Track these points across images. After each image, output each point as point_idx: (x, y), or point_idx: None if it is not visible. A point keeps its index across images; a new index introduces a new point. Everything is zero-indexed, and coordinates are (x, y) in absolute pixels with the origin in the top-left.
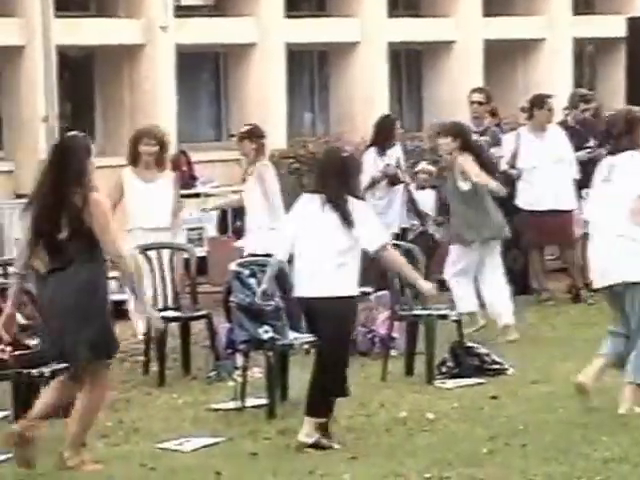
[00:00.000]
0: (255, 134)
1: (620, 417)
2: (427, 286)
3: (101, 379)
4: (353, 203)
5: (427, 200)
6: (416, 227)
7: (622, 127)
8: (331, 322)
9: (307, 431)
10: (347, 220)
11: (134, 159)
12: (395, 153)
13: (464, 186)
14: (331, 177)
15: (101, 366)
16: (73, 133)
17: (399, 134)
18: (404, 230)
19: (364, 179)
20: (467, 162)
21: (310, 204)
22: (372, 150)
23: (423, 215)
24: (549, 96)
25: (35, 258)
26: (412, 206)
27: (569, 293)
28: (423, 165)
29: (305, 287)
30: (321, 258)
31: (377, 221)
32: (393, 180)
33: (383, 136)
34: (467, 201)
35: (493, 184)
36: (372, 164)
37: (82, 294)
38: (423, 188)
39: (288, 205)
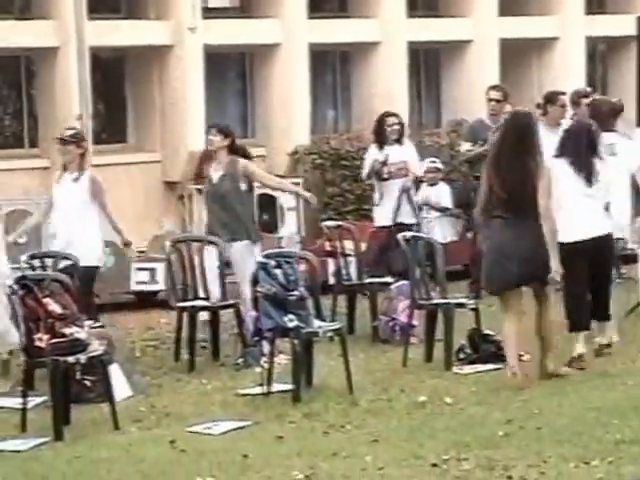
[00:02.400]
0: (82, 139)
1: (631, 400)
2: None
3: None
4: None
5: (442, 194)
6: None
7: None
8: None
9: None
10: None
11: None
12: (396, 151)
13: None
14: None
15: None
16: None
17: (395, 130)
18: (400, 224)
19: (364, 171)
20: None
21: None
22: (373, 146)
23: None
24: (562, 93)
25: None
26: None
27: None
28: (427, 163)
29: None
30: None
31: None
32: (383, 176)
33: (377, 133)
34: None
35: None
36: (369, 159)
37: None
38: (434, 184)
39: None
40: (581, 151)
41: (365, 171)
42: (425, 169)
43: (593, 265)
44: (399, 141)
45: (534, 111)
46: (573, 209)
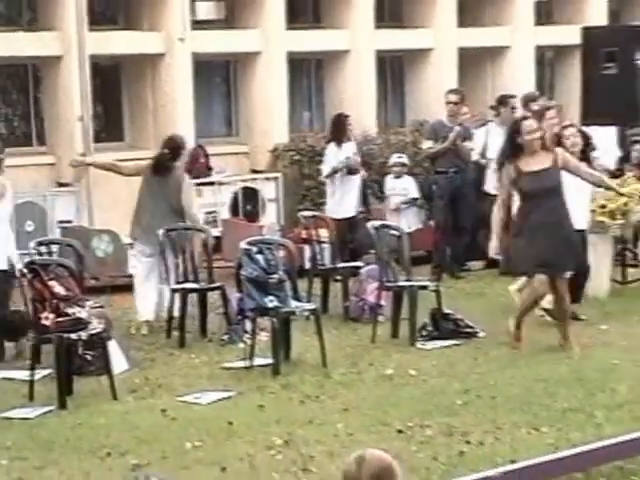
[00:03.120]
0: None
1: (576, 373)
2: None
3: None
4: None
5: (409, 186)
6: (364, 213)
7: None
8: None
9: None
10: None
11: None
12: (350, 148)
13: None
14: None
15: None
16: None
17: (351, 129)
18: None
19: (325, 169)
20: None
21: None
22: (332, 145)
23: (369, 203)
24: (513, 96)
25: None
26: (364, 194)
27: None
28: (394, 158)
29: None
30: None
31: None
32: (352, 170)
33: (339, 132)
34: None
35: None
36: (333, 156)
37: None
38: (399, 177)
39: (292, 191)
40: None
41: (327, 169)
42: (391, 163)
43: None
44: (349, 139)
45: (488, 113)
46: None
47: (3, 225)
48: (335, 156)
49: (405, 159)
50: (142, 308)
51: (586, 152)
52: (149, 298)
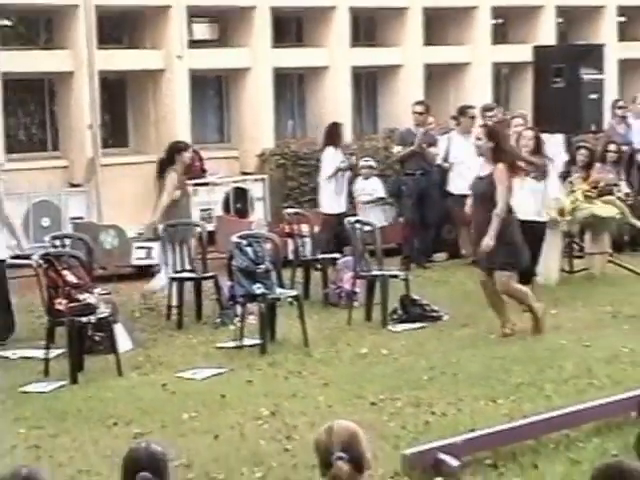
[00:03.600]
0: None
1: (528, 352)
2: None
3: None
4: None
5: (376, 187)
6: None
7: None
8: None
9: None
10: None
11: None
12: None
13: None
14: None
15: None
16: None
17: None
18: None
19: (327, 170)
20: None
21: None
22: (331, 148)
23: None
24: (472, 107)
25: None
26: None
27: None
28: (362, 161)
29: None
30: None
31: None
32: (352, 169)
33: (337, 138)
34: None
35: None
36: (332, 159)
37: None
38: (368, 178)
39: (277, 191)
40: None
41: (330, 169)
42: (360, 166)
43: None
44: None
45: (450, 122)
46: None
47: None
48: (333, 159)
49: (372, 162)
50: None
51: (540, 153)
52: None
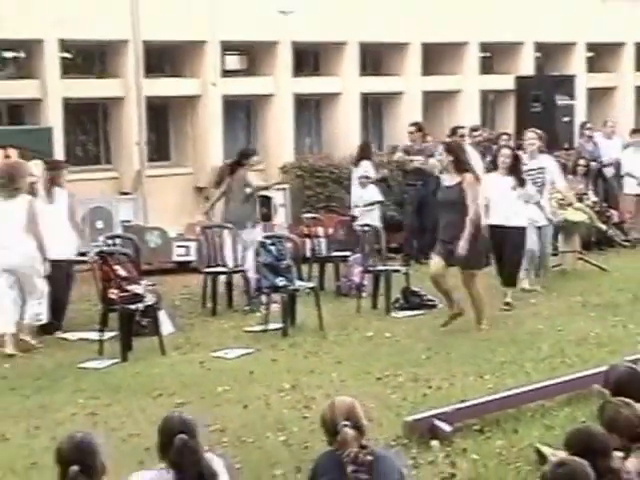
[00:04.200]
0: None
1: (509, 334)
2: None
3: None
4: None
5: (373, 193)
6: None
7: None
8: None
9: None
10: None
11: None
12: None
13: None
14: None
15: None
16: None
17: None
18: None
19: (372, 176)
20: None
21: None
22: (366, 162)
23: None
24: (462, 127)
25: None
26: None
27: None
28: (361, 172)
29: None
30: None
31: None
32: (385, 181)
33: (370, 153)
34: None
35: None
36: (370, 170)
37: None
38: (365, 186)
39: (296, 199)
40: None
41: (373, 176)
42: (359, 176)
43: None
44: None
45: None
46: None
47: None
48: (369, 169)
49: (370, 173)
50: None
51: (517, 167)
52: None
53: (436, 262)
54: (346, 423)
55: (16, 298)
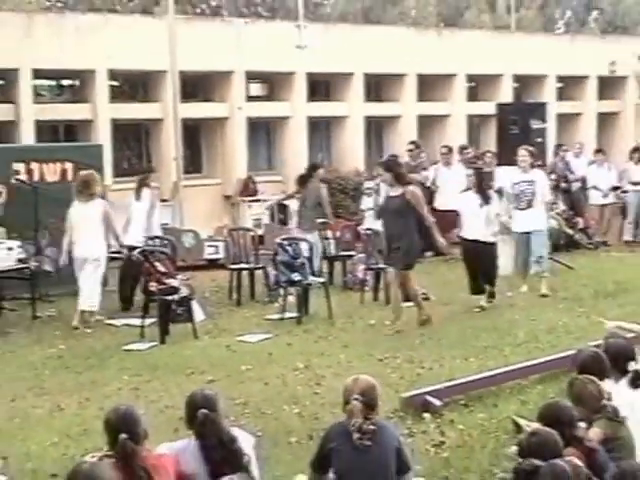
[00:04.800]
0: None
1: (492, 323)
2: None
3: None
4: None
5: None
6: None
7: None
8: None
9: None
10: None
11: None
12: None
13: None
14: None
15: None
16: None
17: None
18: None
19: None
20: None
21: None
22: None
23: None
24: (450, 147)
25: None
26: None
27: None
28: (365, 184)
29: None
30: None
31: None
32: None
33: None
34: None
35: None
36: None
37: None
38: (370, 196)
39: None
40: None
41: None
42: (365, 187)
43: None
44: None
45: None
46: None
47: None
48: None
49: (373, 184)
50: None
51: (482, 186)
52: None
53: (391, 272)
54: (357, 397)
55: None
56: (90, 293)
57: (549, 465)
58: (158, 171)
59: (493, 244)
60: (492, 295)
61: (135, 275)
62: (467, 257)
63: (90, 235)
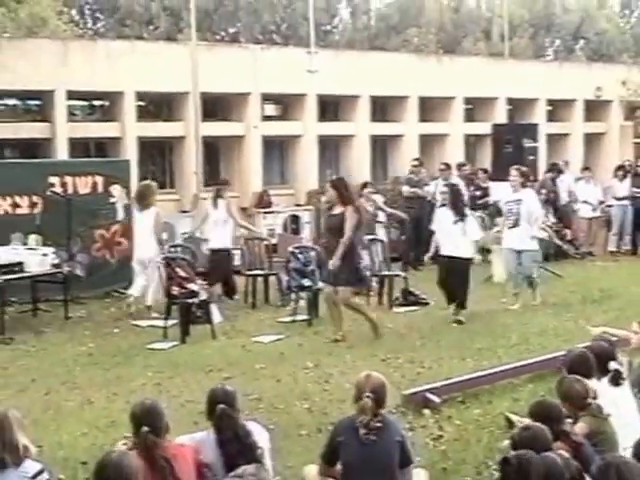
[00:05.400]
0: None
1: (487, 327)
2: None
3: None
4: None
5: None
6: None
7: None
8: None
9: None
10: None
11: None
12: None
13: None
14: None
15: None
16: None
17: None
18: None
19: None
20: None
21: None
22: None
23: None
24: (449, 164)
25: None
26: None
27: None
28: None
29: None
30: None
31: None
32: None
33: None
34: None
35: None
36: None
37: None
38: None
39: (319, 217)
40: None
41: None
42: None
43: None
44: None
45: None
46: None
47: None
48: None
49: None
50: None
51: (457, 202)
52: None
53: (327, 290)
54: (369, 395)
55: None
56: (156, 289)
57: (541, 457)
58: (180, 184)
59: (467, 260)
60: (461, 306)
61: (223, 270)
62: (441, 273)
63: (143, 239)
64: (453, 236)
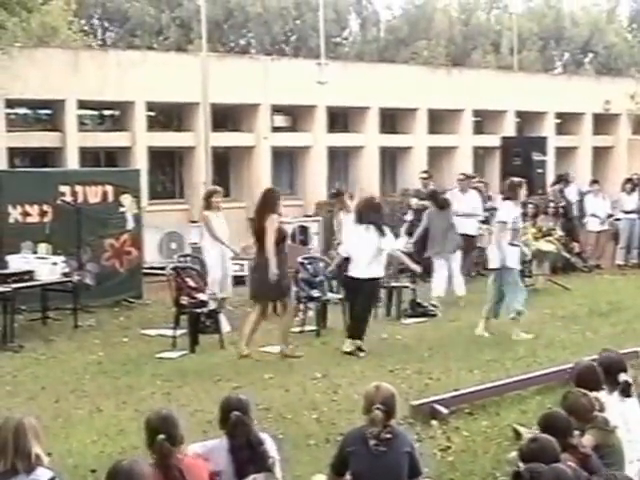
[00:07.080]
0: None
1: (495, 339)
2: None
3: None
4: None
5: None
6: None
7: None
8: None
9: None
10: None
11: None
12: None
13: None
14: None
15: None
16: None
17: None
18: None
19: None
20: None
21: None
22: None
23: None
24: (474, 176)
25: None
26: None
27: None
28: None
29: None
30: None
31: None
32: None
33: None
34: None
35: None
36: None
37: None
38: None
39: (327, 228)
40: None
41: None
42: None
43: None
44: None
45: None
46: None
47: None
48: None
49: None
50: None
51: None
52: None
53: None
54: (379, 406)
55: None
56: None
57: (551, 468)
58: (189, 194)
59: (375, 280)
60: (358, 336)
61: None
62: (349, 295)
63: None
64: (366, 255)
